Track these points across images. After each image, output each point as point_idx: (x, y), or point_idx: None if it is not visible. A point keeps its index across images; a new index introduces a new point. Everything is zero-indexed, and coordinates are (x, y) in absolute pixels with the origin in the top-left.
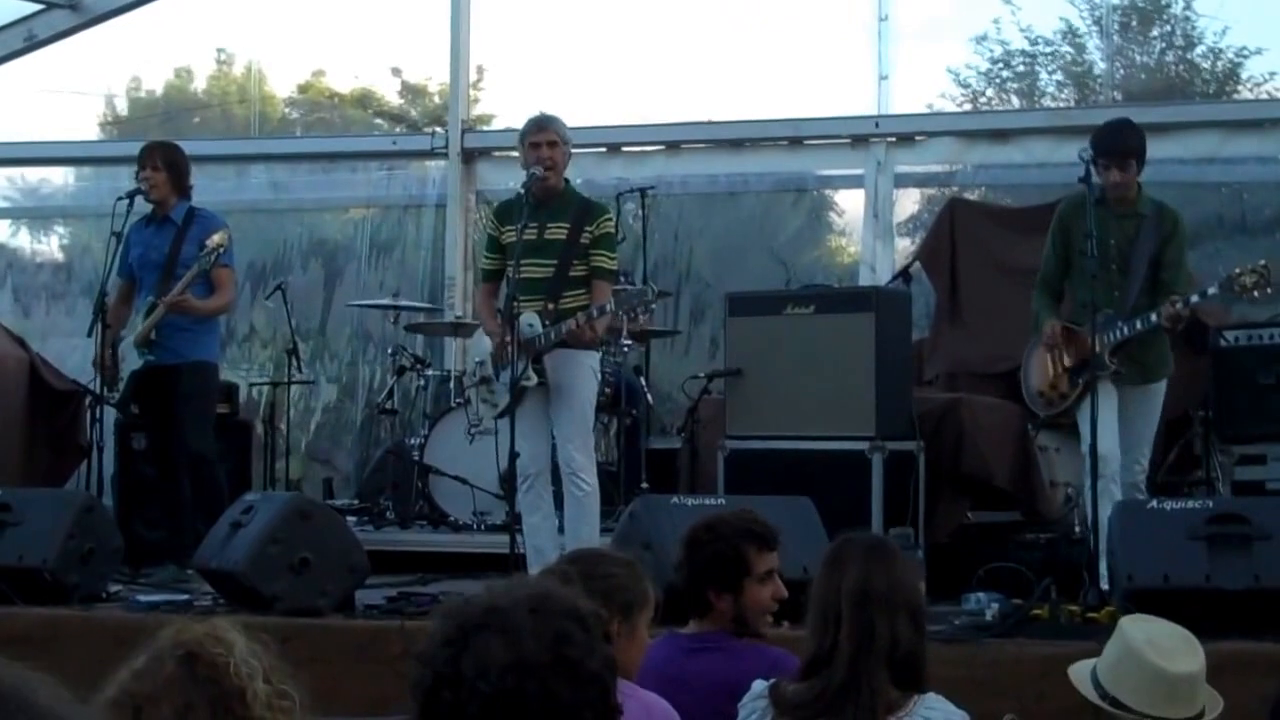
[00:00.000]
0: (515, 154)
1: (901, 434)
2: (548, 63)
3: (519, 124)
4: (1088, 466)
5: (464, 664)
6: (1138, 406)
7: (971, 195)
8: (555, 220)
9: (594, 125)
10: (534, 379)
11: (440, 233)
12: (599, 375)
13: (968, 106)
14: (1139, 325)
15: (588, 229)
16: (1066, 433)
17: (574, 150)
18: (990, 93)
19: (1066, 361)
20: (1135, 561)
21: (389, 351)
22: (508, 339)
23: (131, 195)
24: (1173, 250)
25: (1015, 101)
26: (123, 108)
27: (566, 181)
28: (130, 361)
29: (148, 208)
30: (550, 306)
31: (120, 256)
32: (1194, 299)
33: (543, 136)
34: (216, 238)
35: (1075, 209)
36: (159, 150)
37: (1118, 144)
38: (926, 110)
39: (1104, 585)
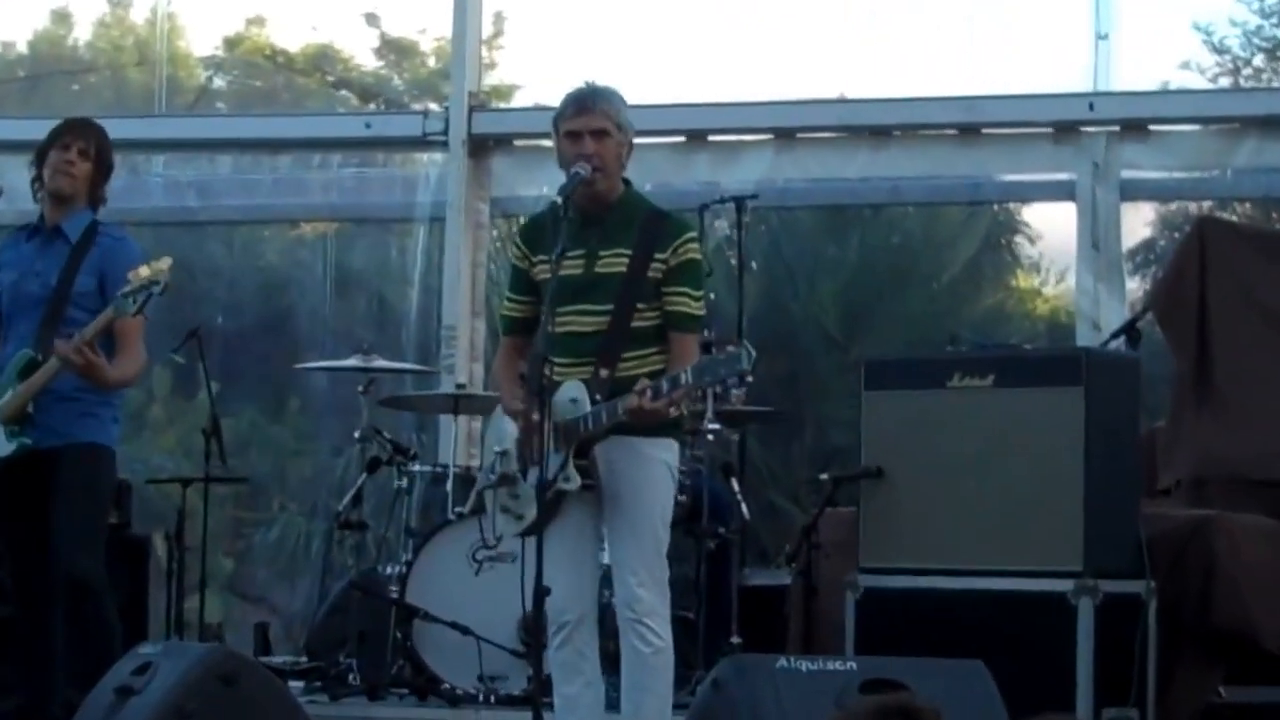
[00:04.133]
0: (548, 143)
1: (1123, 569)
2: (600, 10)
3: (553, 100)
4: None
5: None
6: None
7: (1232, 214)
8: (611, 244)
9: (666, 103)
10: (576, 480)
11: (436, 260)
12: (676, 475)
13: (1225, 82)
14: None
15: (659, 256)
16: None
17: (640, 140)
18: (1259, 62)
19: None
20: None
21: (356, 436)
22: (537, 420)
23: None
24: None
25: None
26: None
27: (627, 184)
28: None
29: (16, 213)
30: (603, 374)
31: None
32: None
33: (584, 122)
34: (145, 270)
35: None
36: (94, 132)
37: None
38: (1165, 86)
39: None
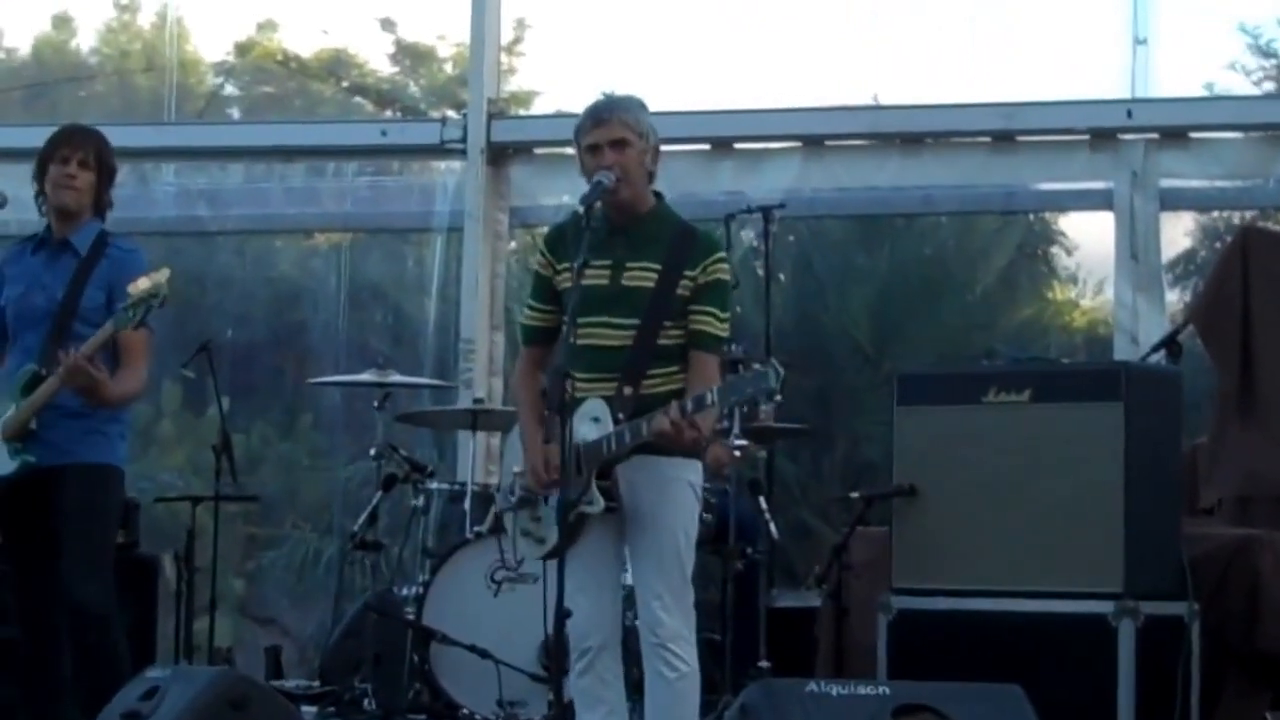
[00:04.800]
0: (570, 150)
1: (1165, 590)
2: (622, 16)
3: (574, 106)
4: None
5: None
6: None
7: (1276, 223)
8: (638, 257)
9: (690, 110)
10: (600, 503)
11: (454, 271)
12: (700, 495)
13: (1270, 86)
14: None
15: (689, 273)
16: None
17: (664, 148)
18: None
19: None
20: None
21: (371, 453)
22: (554, 438)
23: None
24: None
25: None
26: None
27: (658, 197)
28: None
29: (20, 222)
30: (628, 391)
31: None
32: None
33: (601, 134)
34: (145, 283)
35: None
36: (94, 141)
37: None
38: (1208, 92)
39: None
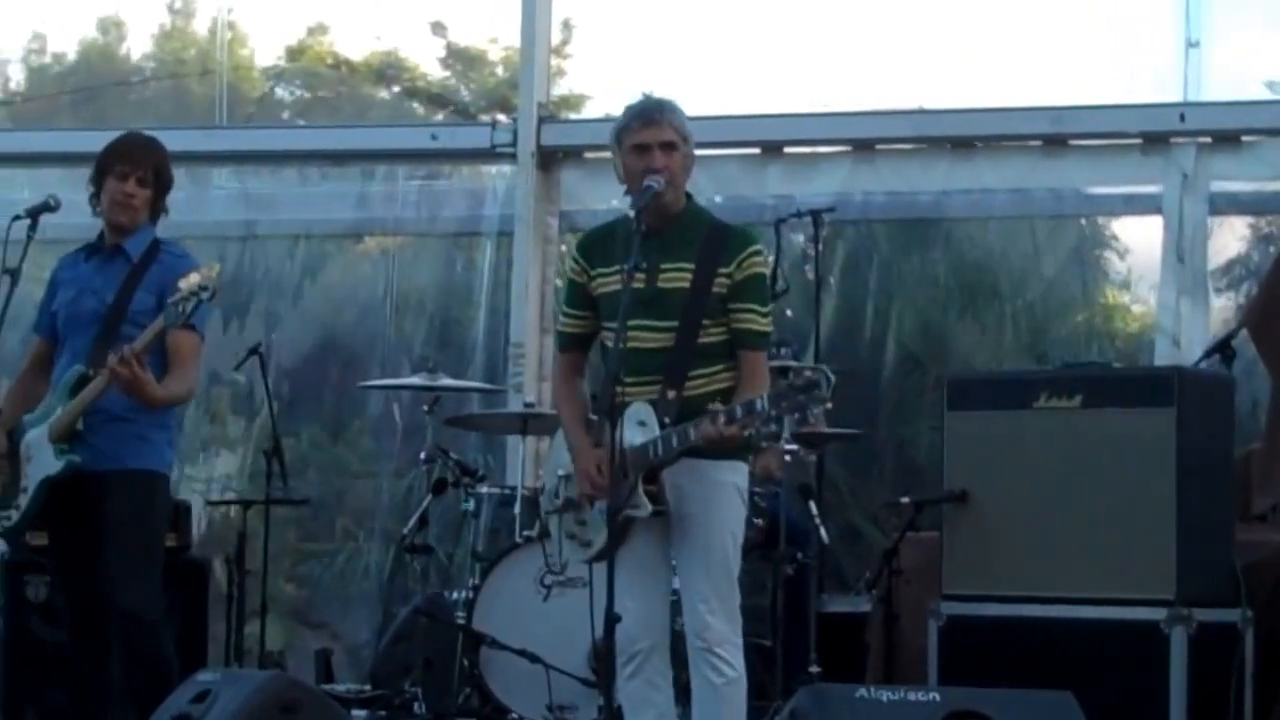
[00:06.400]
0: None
1: (1218, 597)
2: (669, 19)
3: (622, 110)
4: None
5: None
6: None
7: None
8: (673, 258)
9: (740, 114)
10: (647, 507)
11: (504, 275)
12: (746, 497)
13: None
14: None
15: (724, 270)
16: None
17: (713, 152)
18: None
19: None
20: None
21: (421, 457)
22: (603, 443)
23: (36, 213)
24: None
25: None
26: (18, 81)
27: (689, 198)
28: (43, 463)
29: (71, 226)
30: (671, 394)
31: (40, 304)
32: None
33: (653, 135)
34: (195, 277)
35: None
36: (154, 157)
37: None
38: (1263, 95)
39: None
